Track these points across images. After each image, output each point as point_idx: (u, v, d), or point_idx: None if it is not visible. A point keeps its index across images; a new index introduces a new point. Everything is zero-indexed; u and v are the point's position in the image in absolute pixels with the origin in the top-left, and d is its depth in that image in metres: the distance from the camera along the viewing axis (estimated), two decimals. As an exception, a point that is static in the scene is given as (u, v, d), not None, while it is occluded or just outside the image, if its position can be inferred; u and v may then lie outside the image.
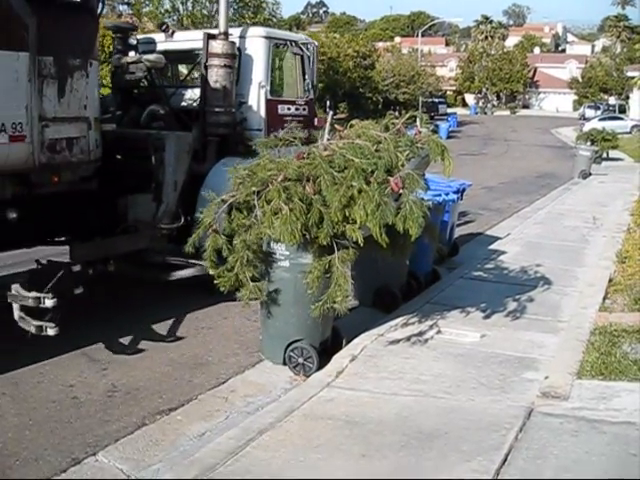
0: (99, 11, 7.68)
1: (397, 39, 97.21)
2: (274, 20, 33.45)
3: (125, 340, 7.48)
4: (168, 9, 30.88)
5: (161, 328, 7.84)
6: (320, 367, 6.59)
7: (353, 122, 7.20)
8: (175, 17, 30.69)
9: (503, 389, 5.99)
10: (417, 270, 9.20)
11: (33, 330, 6.49)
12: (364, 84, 49.05)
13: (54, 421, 5.67)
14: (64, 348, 7.04)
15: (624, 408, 5.43)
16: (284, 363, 6.74)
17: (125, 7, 32.74)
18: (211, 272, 6.55)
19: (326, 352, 6.86)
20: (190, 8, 30.90)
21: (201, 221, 6.54)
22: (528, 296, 8.88)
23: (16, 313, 6.63)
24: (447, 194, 10.00)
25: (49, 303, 6.50)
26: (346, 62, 45.71)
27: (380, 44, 72.42)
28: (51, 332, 6.47)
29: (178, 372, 6.73)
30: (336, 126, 7.27)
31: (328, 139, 6.98)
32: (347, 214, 6.15)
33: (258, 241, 6.40)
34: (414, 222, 6.07)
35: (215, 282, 6.48)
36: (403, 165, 6.42)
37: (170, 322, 7.86)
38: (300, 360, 6.63)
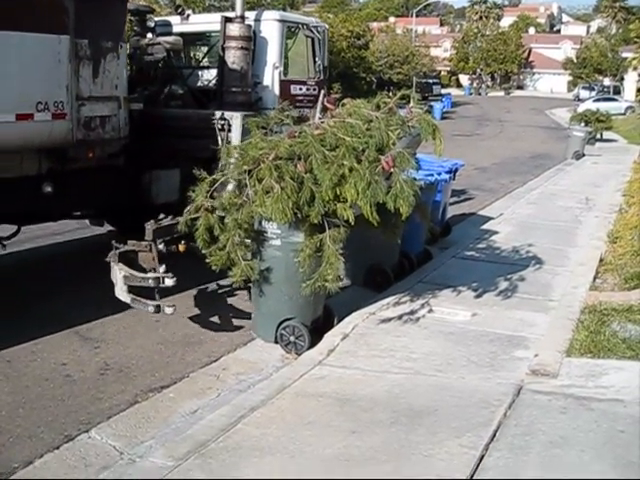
0: None
1: (391, 19, 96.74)
2: (268, 0, 33.25)
3: (117, 318, 7.51)
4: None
5: (154, 307, 7.85)
6: (312, 345, 6.63)
7: (345, 101, 7.19)
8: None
9: (493, 367, 6.04)
10: (409, 249, 9.23)
11: (151, 310, 6.63)
12: (358, 64, 48.88)
13: (47, 399, 5.71)
14: (56, 327, 7.09)
15: (612, 385, 5.49)
16: (276, 341, 6.78)
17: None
18: (203, 251, 6.58)
19: (317, 330, 6.90)
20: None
21: (193, 199, 6.56)
22: (519, 275, 8.93)
23: (124, 295, 6.77)
24: (439, 174, 10.04)
25: (169, 282, 6.76)
26: (340, 42, 45.53)
27: (374, 24, 72.06)
28: (169, 310, 6.67)
29: (170, 350, 6.78)
30: (328, 105, 7.28)
31: (320, 118, 6.99)
32: (338, 193, 6.17)
33: (250, 220, 6.41)
34: (405, 201, 6.10)
35: (207, 261, 6.51)
36: (394, 144, 6.42)
37: (163, 300, 7.87)
38: (292, 338, 6.68)
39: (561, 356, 6.11)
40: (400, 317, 7.31)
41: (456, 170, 11.35)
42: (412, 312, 7.47)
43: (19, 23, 6.53)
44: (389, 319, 7.26)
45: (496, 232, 11.62)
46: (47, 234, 10.56)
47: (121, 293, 6.80)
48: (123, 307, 7.60)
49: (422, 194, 8.87)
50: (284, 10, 43.67)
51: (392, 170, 6.22)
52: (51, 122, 6.99)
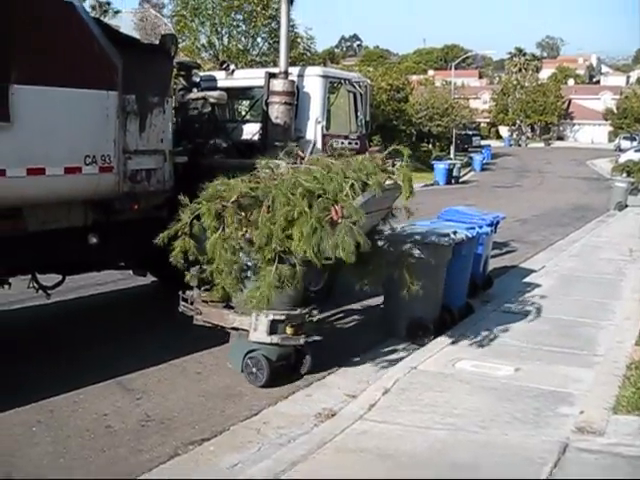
0: (173, 52, 8.42)
1: (430, 72, 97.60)
2: (308, 54, 33.72)
3: (159, 369, 7.54)
4: (204, 44, 31.36)
5: (195, 359, 7.88)
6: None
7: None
8: (211, 52, 31.09)
9: (537, 424, 5.92)
10: (451, 303, 9.17)
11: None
12: (398, 117, 49.10)
13: (88, 449, 5.71)
14: (99, 377, 7.12)
15: (661, 445, 5.35)
16: (242, 370, 7.08)
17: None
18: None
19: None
20: (226, 42, 31.31)
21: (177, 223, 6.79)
22: (563, 329, 8.80)
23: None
24: (481, 227, 10.01)
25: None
26: (380, 95, 45.80)
27: (414, 77, 72.60)
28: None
29: (211, 402, 6.76)
30: (298, 152, 7.47)
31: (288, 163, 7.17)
32: (289, 233, 6.36)
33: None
34: (345, 251, 6.15)
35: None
36: (347, 195, 6.43)
37: (203, 353, 7.89)
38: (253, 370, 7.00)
39: (607, 413, 5.98)
40: (442, 371, 7.22)
41: (497, 223, 11.30)
42: (454, 366, 7.38)
43: (70, 80, 6.75)
44: (431, 373, 7.17)
45: (538, 285, 11.48)
46: (91, 284, 10.69)
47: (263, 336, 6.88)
48: (164, 358, 7.67)
49: (464, 247, 8.98)
50: (324, 63, 44.36)
51: (340, 220, 6.27)
52: (98, 175, 7.17)
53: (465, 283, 9.69)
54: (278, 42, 34.86)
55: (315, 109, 10.37)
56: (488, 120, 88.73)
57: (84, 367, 7.43)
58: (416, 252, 8.35)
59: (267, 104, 9.81)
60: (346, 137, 10.94)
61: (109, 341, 8.34)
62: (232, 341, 7.26)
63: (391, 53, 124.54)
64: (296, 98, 10.11)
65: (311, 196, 6.39)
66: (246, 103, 11.91)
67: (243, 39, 31.72)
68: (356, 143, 11.07)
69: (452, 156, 50.67)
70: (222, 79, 10.95)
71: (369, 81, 11.85)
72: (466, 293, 9.79)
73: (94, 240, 7.67)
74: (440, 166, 38.49)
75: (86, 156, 6.99)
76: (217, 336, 7.50)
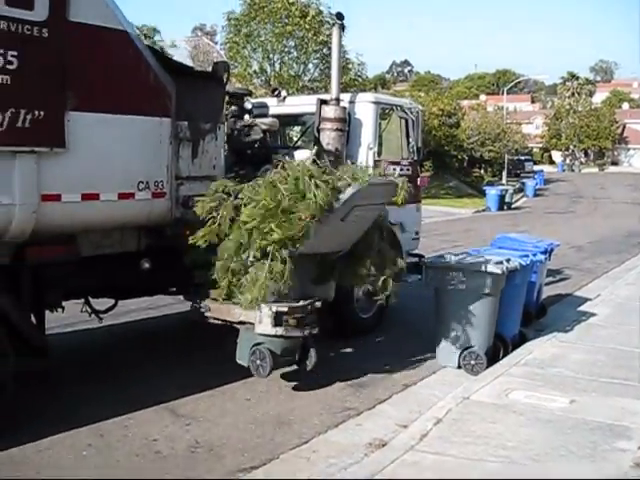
0: (225, 79, 8.49)
1: (482, 97, 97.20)
2: (359, 80, 33.84)
3: (208, 395, 7.54)
4: (256, 70, 31.77)
5: (244, 385, 7.86)
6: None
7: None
8: (263, 78, 31.47)
9: (594, 458, 5.75)
10: (504, 332, 9.02)
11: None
12: (449, 142, 49.00)
13: (137, 475, 5.71)
14: (149, 402, 7.16)
15: None
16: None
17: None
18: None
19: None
20: (277, 69, 31.67)
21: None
22: (619, 360, 8.57)
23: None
24: (534, 254, 9.87)
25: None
26: (431, 120, 45.80)
27: (465, 102, 72.43)
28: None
29: (260, 430, 6.72)
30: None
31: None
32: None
33: None
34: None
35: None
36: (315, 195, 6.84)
37: (253, 379, 7.87)
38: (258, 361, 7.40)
39: (668, 449, 5.78)
40: (495, 402, 7.08)
41: (551, 250, 11.12)
42: (507, 397, 7.23)
43: (124, 107, 6.85)
44: (483, 404, 7.03)
45: (593, 314, 11.23)
46: (142, 308, 10.80)
47: None
48: (214, 384, 7.67)
49: (517, 275, 8.84)
50: (375, 89, 44.45)
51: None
52: (151, 201, 7.24)
53: (519, 312, 9.54)
54: (329, 68, 34.99)
55: (367, 135, 10.36)
56: (541, 145, 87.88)
57: (134, 391, 7.47)
58: (463, 280, 8.38)
59: (318, 130, 9.83)
60: (398, 163, 10.88)
61: (159, 365, 8.39)
62: (240, 336, 7.59)
63: (442, 78, 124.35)
64: (348, 124, 10.10)
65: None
66: (298, 130, 11.95)
67: (295, 65, 32.05)
68: (408, 169, 11.02)
69: (504, 182, 50.27)
70: (273, 106, 11.01)
71: (420, 107, 11.78)
72: (520, 322, 9.63)
73: (146, 265, 7.74)
74: (492, 192, 38.16)
75: (139, 182, 7.07)
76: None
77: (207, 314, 7.86)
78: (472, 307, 8.44)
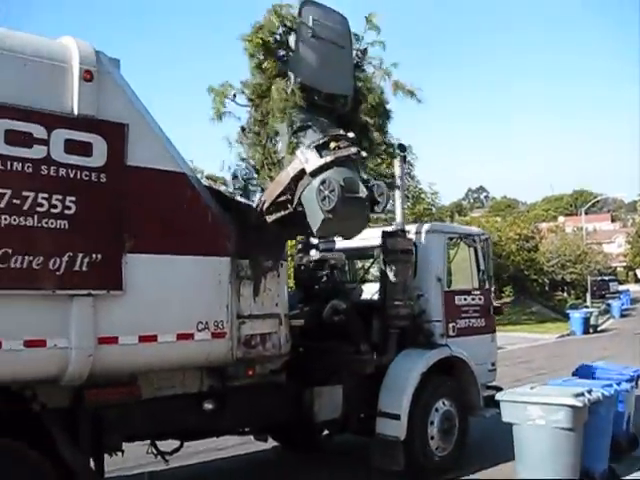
0: None
1: (560, 218, 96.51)
2: (433, 209, 33.91)
3: None
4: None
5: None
6: None
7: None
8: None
9: None
10: (591, 467, 8.43)
11: None
12: (529, 266, 48.29)
13: None
14: None
15: None
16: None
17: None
18: None
19: None
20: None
21: None
22: None
23: None
24: (619, 383, 9.36)
25: None
26: (509, 245, 45.41)
27: (543, 225, 71.88)
28: None
29: None
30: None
31: None
32: None
33: None
34: None
35: None
36: None
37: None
38: None
39: None
40: None
41: (639, 377, 10.44)
42: None
43: (182, 247, 6.85)
44: None
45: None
46: (211, 449, 10.51)
47: None
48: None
49: (600, 407, 8.27)
50: (451, 217, 44.51)
51: None
52: (211, 341, 7.08)
53: (606, 445, 8.90)
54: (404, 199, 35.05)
55: (435, 266, 10.19)
56: (624, 264, 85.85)
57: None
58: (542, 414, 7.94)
59: (385, 263, 9.69)
60: (469, 293, 10.64)
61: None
62: None
63: (519, 202, 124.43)
64: (414, 256, 9.98)
65: None
66: (364, 263, 11.85)
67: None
68: (480, 299, 10.76)
69: (588, 304, 48.73)
70: (340, 240, 10.93)
71: (489, 234, 11.57)
72: (608, 456, 8.95)
73: (210, 406, 7.54)
74: (576, 315, 36.92)
75: (199, 322, 6.95)
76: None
77: None
78: (553, 443, 7.88)
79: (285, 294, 8.19)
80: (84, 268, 6.00)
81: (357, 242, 10.91)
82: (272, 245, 8.02)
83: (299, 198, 7.84)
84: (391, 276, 9.55)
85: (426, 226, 10.65)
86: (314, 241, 10.42)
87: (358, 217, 8.17)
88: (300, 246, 10.69)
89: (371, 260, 10.99)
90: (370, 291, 10.45)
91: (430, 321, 9.99)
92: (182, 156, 6.97)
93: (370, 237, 10.59)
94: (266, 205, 7.99)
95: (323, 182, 7.53)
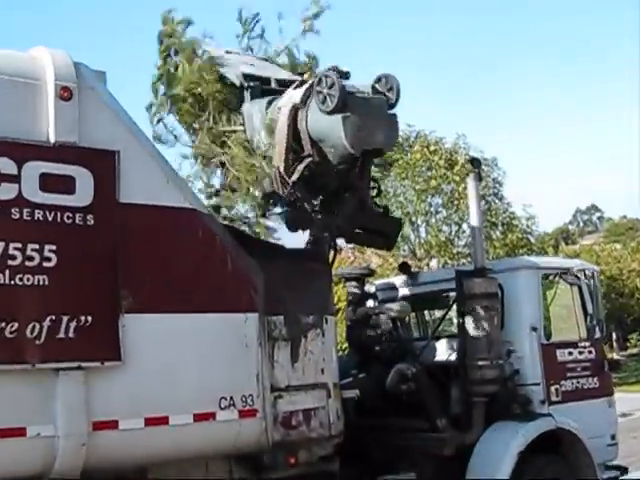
0: (332, 258, 8.69)
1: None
2: (531, 238, 33.50)
3: None
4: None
5: None
6: None
7: None
8: (406, 247, 31.59)
9: None
10: None
11: None
12: (661, 307, 47.39)
13: None
14: None
15: None
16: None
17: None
18: None
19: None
20: (424, 234, 31.79)
21: None
22: None
23: None
24: None
25: None
26: (632, 280, 44.66)
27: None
28: None
29: None
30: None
31: None
32: None
33: None
34: None
35: None
36: None
37: None
38: None
39: None
40: None
41: None
42: None
43: (194, 303, 6.87)
44: None
45: None
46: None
47: None
48: None
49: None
50: (555, 247, 43.96)
51: None
52: (238, 421, 7.06)
53: None
54: (490, 227, 33.96)
55: (528, 313, 10.03)
56: None
57: None
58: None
59: (463, 312, 9.57)
60: (574, 345, 10.42)
61: None
62: None
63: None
64: (501, 301, 9.84)
65: None
66: (437, 313, 11.76)
67: (445, 227, 32.10)
68: (589, 352, 10.53)
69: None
70: (403, 286, 10.97)
71: (596, 268, 11.38)
72: None
73: None
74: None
75: (221, 398, 6.91)
76: None
77: None
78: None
79: (334, 358, 8.18)
80: (71, 334, 6.04)
81: (425, 287, 10.87)
82: (314, 295, 7.98)
83: (308, 134, 8.09)
84: (471, 329, 9.41)
85: (515, 261, 10.63)
86: (370, 289, 10.35)
87: (381, 118, 8.30)
88: (352, 296, 10.61)
89: (445, 309, 10.90)
90: (446, 350, 10.35)
91: (526, 384, 9.79)
92: (190, 188, 7.03)
93: (442, 279, 10.54)
94: (282, 167, 8.13)
95: (319, 81, 7.88)
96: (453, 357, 9.97)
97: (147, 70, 9.16)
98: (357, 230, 9.28)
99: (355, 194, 8.80)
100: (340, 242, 9.83)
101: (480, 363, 9.30)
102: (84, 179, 6.26)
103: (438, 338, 10.80)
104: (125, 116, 6.73)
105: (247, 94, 8.85)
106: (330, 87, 7.75)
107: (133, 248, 6.51)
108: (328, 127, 7.92)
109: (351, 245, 33.33)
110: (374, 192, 9.74)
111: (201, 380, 6.86)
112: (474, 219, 10.23)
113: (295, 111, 8.09)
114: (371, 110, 8.14)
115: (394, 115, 8.46)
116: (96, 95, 6.51)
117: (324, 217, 8.57)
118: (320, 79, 7.93)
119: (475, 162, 10.18)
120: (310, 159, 8.12)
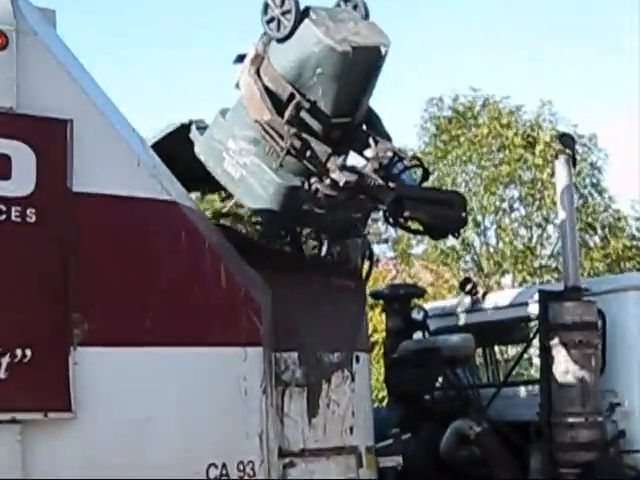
0: (367, 271, 8.77)
1: None
2: (640, 246, 33.37)
3: None
4: (454, 245, 31.18)
5: None
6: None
7: None
8: (468, 257, 31.43)
9: None
10: None
11: None
12: None
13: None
14: None
15: None
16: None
17: (385, 247, 33.89)
18: None
19: None
20: (493, 241, 31.50)
21: None
22: None
23: None
24: None
25: None
26: None
27: None
28: None
29: None
30: None
31: None
32: None
33: None
34: None
35: None
36: None
37: None
38: None
39: None
40: None
41: None
42: None
43: (173, 333, 6.83)
44: None
45: None
46: None
47: None
48: None
49: None
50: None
51: None
52: None
53: None
54: (587, 229, 34.02)
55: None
56: None
57: None
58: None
59: (547, 350, 9.54)
60: None
61: None
62: None
63: None
64: (602, 333, 9.85)
65: None
66: (511, 351, 11.78)
67: (523, 231, 31.97)
68: None
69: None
70: (464, 311, 11.00)
71: None
72: None
73: None
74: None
75: (209, 466, 6.85)
76: None
77: None
78: None
79: (368, 412, 8.17)
80: (1, 375, 5.99)
81: (495, 313, 10.83)
82: (340, 323, 7.99)
83: (282, 81, 8.17)
84: (559, 372, 9.41)
85: (621, 279, 10.62)
86: (417, 316, 10.34)
87: (357, 20, 8.39)
88: (393, 325, 10.69)
89: (523, 345, 10.85)
90: (523, 402, 10.39)
91: (636, 451, 9.82)
92: (170, 174, 6.95)
93: (519, 302, 10.48)
94: (267, 117, 8.13)
95: (265, 8, 8.17)
96: (533, 412, 9.90)
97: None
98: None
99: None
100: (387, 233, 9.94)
101: (571, 420, 9.36)
102: (23, 159, 6.17)
103: (512, 385, 10.80)
104: (81, 72, 6.67)
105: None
106: (281, 5, 8.00)
107: (90, 255, 6.43)
108: (299, 47, 7.97)
109: (392, 254, 33.84)
110: (418, 175, 9.59)
111: (181, 440, 6.79)
112: (564, 220, 10.17)
113: (257, 67, 8.22)
114: (341, 16, 8.28)
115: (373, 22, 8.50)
116: (41, 43, 6.42)
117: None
118: (265, 5, 8.15)
119: (566, 140, 10.04)
120: (297, 99, 8.05)
